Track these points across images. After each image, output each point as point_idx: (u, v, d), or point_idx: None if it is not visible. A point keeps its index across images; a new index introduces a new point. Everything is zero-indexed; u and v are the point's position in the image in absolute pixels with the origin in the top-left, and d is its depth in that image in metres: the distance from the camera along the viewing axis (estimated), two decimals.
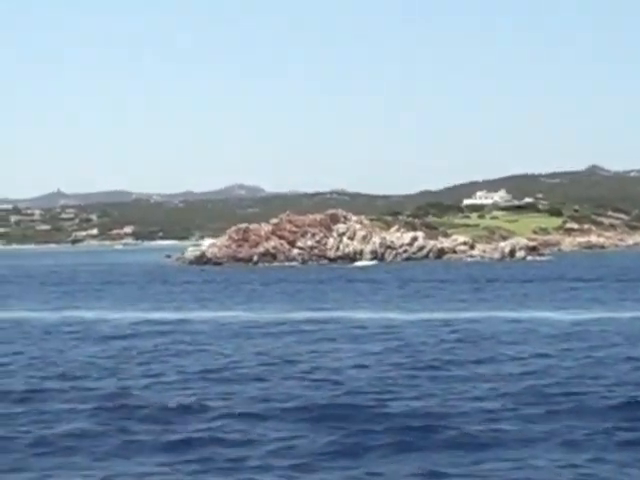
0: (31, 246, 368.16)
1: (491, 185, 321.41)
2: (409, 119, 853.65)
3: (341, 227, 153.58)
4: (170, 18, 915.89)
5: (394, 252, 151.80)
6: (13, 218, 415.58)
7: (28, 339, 44.58)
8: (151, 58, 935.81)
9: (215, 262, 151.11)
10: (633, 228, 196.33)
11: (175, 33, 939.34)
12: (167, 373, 32.36)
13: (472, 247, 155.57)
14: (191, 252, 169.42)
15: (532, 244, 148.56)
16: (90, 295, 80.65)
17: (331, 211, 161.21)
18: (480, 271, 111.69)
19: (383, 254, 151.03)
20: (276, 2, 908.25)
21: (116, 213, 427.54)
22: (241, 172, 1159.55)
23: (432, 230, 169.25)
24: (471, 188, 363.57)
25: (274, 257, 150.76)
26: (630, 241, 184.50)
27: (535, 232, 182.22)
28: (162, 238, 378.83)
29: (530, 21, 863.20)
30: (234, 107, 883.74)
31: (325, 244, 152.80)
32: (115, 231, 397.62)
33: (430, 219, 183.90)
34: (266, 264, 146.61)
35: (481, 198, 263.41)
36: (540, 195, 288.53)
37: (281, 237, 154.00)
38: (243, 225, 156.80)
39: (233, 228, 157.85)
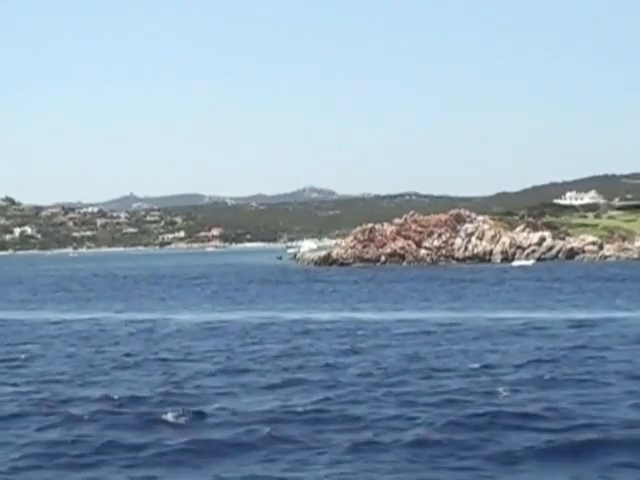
0: (120, 249, 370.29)
1: (572, 186, 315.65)
2: (476, 122, 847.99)
3: (469, 227, 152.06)
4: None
5: (524, 252, 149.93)
6: (99, 221, 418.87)
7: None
8: (217, 62, 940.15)
9: (342, 263, 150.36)
10: None
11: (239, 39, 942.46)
12: None
13: (601, 247, 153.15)
14: (312, 253, 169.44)
15: None
16: (269, 296, 79.92)
17: (455, 211, 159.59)
18: None
19: (513, 254, 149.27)
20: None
21: (200, 216, 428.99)
22: (310, 175, 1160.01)
23: (553, 230, 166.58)
24: (551, 189, 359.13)
25: (402, 257, 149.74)
26: None
27: None
28: (249, 240, 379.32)
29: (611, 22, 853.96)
30: (301, 110, 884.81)
31: (452, 244, 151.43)
32: (202, 234, 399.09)
33: (548, 219, 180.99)
34: (394, 264, 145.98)
35: (571, 199, 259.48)
36: (629, 196, 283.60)
37: (406, 237, 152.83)
38: (368, 225, 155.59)
39: (358, 229, 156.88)
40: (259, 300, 71.41)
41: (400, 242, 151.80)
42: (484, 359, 33.50)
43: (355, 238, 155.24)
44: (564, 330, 43.67)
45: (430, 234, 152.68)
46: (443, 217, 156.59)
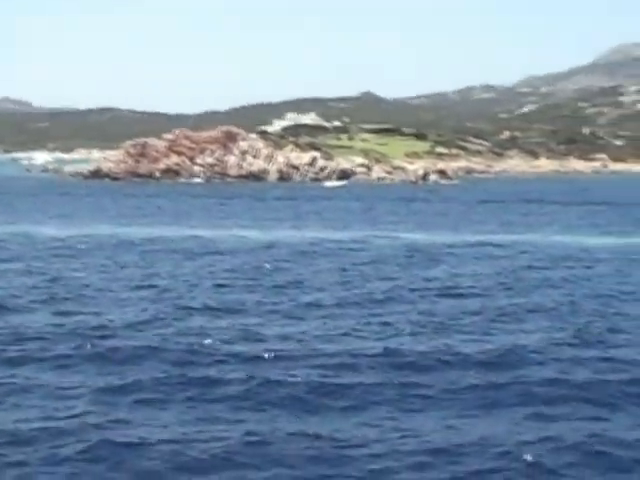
0: None
1: (283, 108, 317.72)
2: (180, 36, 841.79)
3: (243, 145, 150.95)
4: None
5: (299, 172, 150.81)
6: None
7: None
8: None
9: (113, 177, 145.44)
10: (497, 154, 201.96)
11: None
12: None
13: (369, 169, 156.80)
14: (75, 165, 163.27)
15: (440, 168, 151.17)
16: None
17: (226, 128, 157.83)
18: (447, 192, 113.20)
19: (288, 174, 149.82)
20: None
21: None
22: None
23: (317, 151, 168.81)
24: (262, 109, 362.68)
25: (176, 173, 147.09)
26: (497, 167, 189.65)
27: (407, 155, 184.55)
28: None
29: None
30: None
31: (225, 162, 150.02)
32: None
33: (306, 139, 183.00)
34: (169, 180, 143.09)
35: (291, 120, 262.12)
36: (347, 119, 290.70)
37: (179, 153, 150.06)
38: (141, 140, 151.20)
39: (129, 143, 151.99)
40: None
41: (174, 158, 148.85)
42: None
43: (126, 152, 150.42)
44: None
45: (202, 151, 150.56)
46: (214, 134, 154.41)
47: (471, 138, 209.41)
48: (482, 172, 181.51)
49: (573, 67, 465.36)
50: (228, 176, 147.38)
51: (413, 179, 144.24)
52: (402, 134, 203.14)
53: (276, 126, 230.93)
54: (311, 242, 47.22)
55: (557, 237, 52.24)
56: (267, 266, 36.57)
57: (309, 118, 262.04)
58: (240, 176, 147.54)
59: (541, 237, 51.98)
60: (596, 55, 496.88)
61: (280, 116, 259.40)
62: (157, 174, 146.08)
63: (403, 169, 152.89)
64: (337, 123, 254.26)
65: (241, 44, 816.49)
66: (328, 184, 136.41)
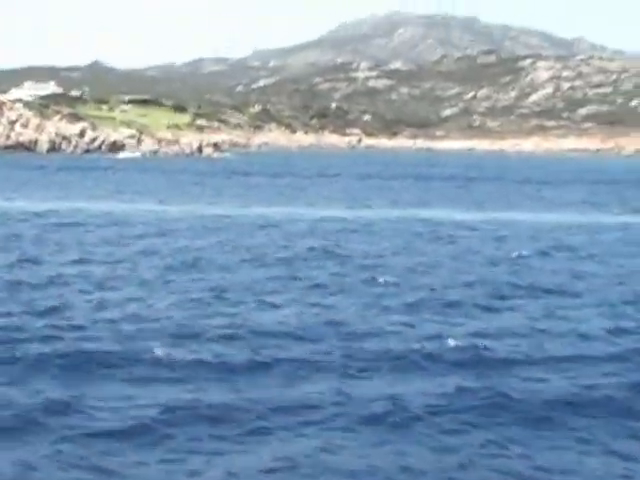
0: None
1: (14, 76, 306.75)
2: None
3: (11, 114, 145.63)
4: None
5: (70, 143, 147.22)
6: None
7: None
8: None
9: None
10: (257, 127, 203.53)
11: None
12: None
13: (139, 141, 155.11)
14: None
15: (213, 141, 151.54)
16: None
17: None
18: (231, 164, 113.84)
19: (60, 144, 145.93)
20: None
21: None
22: None
23: (80, 121, 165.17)
24: None
25: None
26: (257, 140, 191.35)
27: (169, 128, 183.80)
28: None
29: None
30: None
31: None
32: None
33: (67, 109, 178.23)
34: None
35: (31, 89, 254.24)
36: (87, 88, 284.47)
37: None
38: None
39: None
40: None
41: None
42: None
43: None
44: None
45: None
46: None
47: (230, 111, 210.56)
48: (244, 145, 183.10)
49: (301, 42, 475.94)
50: None
51: (188, 152, 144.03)
52: (161, 105, 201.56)
53: (20, 95, 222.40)
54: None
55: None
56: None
57: (50, 87, 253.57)
58: (7, 147, 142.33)
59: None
60: (322, 32, 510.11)
61: (17, 85, 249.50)
62: None
63: (176, 141, 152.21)
64: (76, 93, 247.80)
65: None
66: (122, 155, 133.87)
